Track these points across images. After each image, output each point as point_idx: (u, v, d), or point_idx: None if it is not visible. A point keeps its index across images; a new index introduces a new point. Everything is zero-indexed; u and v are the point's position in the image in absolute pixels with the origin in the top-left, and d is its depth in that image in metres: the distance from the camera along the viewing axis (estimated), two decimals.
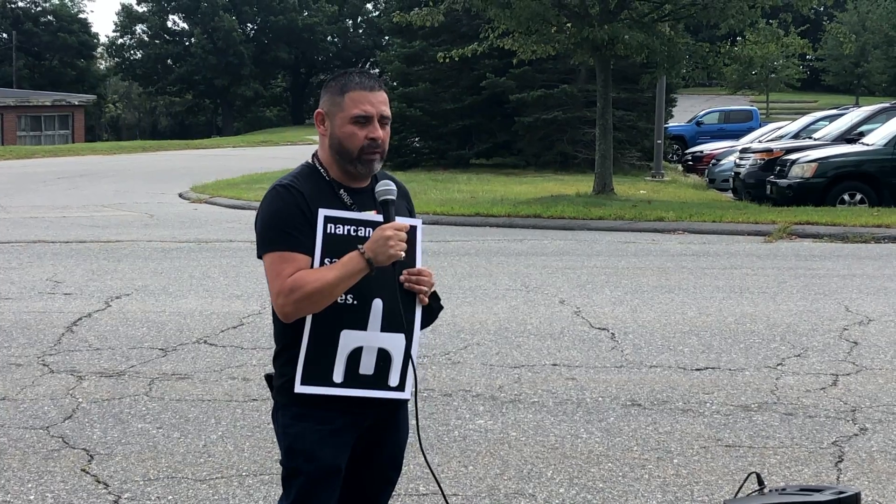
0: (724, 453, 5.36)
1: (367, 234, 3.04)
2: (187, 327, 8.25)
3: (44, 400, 6.33)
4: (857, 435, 5.64)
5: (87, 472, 5.12)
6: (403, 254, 2.99)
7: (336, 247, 3.02)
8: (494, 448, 5.45)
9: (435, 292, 3.19)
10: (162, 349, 7.55)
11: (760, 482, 3.21)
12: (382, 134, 3.09)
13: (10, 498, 4.82)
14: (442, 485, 3.38)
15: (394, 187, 3.08)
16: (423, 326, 3.17)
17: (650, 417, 5.94)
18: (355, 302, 3.03)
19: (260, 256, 3.08)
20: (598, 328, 8.20)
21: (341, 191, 3.11)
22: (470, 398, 6.33)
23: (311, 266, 3.01)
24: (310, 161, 3.18)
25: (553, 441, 5.56)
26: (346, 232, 3.04)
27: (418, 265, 3.13)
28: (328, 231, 3.02)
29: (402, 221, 3.07)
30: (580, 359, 7.26)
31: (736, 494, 3.39)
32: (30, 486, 4.96)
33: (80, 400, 6.32)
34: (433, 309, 3.19)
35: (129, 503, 4.77)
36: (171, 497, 4.81)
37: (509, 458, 5.30)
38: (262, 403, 6.12)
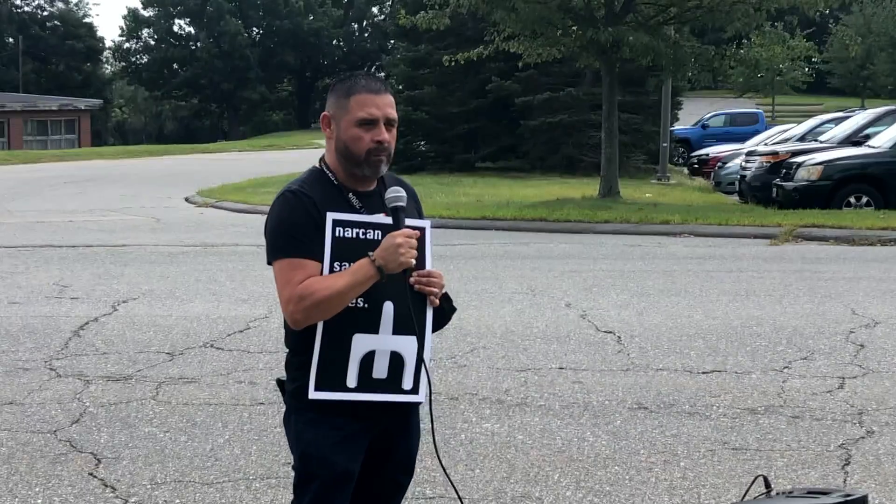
0: (731, 456, 5.36)
1: (375, 237, 3.03)
2: (194, 331, 8.26)
3: (51, 404, 6.34)
4: (864, 438, 5.63)
5: (95, 476, 5.14)
6: (414, 261, 2.99)
7: (345, 250, 3.00)
8: (501, 451, 5.45)
9: (446, 294, 3.18)
10: (169, 353, 7.57)
11: (767, 485, 3.22)
12: (388, 137, 3.07)
13: (17, 502, 4.84)
14: (456, 486, 3.38)
15: (404, 194, 3.07)
16: (435, 329, 3.16)
17: (657, 421, 5.94)
18: (366, 305, 3.02)
19: (270, 263, 3.07)
20: (605, 331, 8.19)
21: (350, 195, 3.10)
22: (476, 402, 6.33)
23: (321, 272, 3.00)
24: (317, 166, 3.17)
25: (559, 444, 5.56)
26: (354, 235, 3.03)
27: (428, 267, 3.12)
28: (337, 234, 3.01)
29: (411, 223, 3.06)
30: (586, 362, 7.26)
31: (743, 497, 3.39)
32: (37, 490, 4.98)
33: (88, 404, 6.33)
34: (445, 311, 3.18)
35: None
36: (178, 501, 4.82)
37: (516, 462, 5.30)
38: (269, 407, 6.13)
